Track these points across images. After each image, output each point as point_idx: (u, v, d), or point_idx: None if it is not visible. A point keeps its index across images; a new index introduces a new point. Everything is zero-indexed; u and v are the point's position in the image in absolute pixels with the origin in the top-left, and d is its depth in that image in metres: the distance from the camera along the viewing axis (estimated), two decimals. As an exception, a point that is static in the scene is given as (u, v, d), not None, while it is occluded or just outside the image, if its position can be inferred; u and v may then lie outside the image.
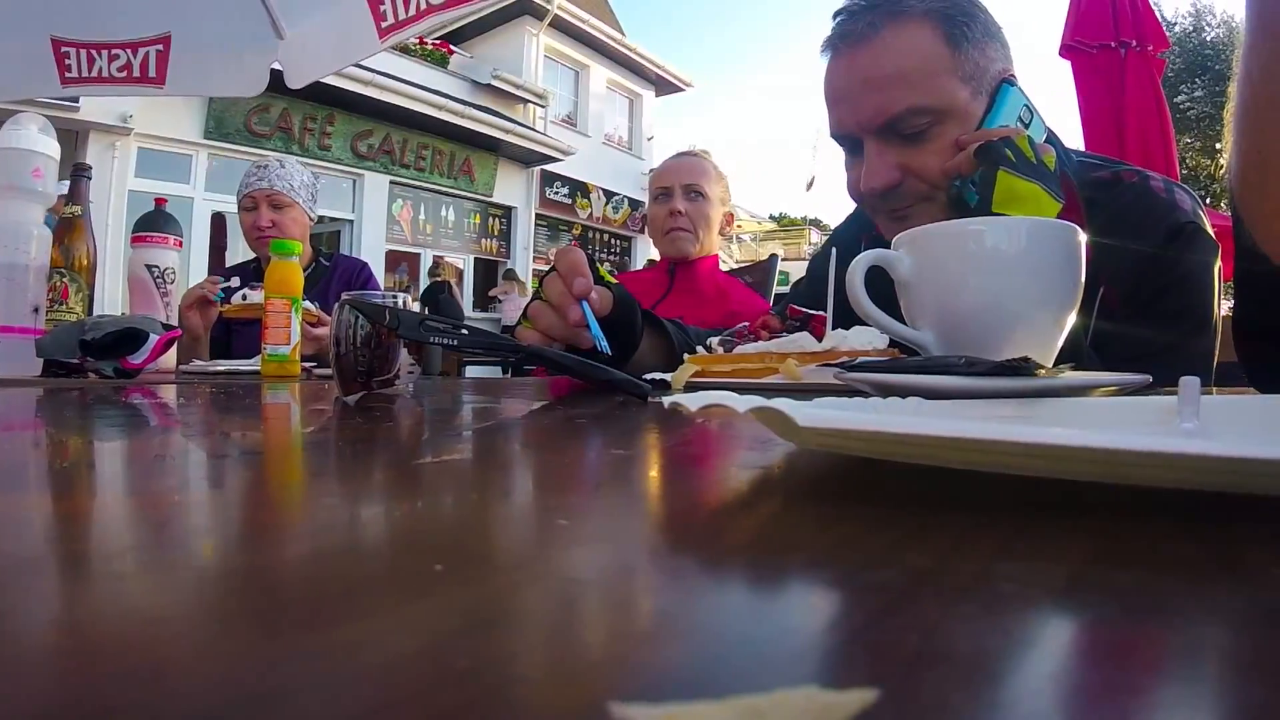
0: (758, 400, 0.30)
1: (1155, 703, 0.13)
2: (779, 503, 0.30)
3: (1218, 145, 19.88)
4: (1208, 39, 20.65)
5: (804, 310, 1.08)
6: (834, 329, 0.95)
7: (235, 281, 2.10)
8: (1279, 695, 0.13)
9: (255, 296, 1.96)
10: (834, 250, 1.03)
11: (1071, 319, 0.77)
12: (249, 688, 0.13)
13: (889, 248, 0.83)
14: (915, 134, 1.10)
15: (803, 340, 0.96)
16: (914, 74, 1.09)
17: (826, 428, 0.28)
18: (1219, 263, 1.11)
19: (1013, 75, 1.15)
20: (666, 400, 0.35)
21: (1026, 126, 1.11)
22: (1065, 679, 0.14)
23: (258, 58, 2.54)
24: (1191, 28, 21.10)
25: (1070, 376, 0.61)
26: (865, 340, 0.92)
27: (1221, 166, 19.15)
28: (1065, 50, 4.07)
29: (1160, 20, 4.30)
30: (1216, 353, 1.10)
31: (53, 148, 1.45)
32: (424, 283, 12.39)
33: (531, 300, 1.11)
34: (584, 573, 0.20)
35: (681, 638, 0.15)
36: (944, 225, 0.78)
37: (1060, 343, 0.78)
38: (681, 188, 2.28)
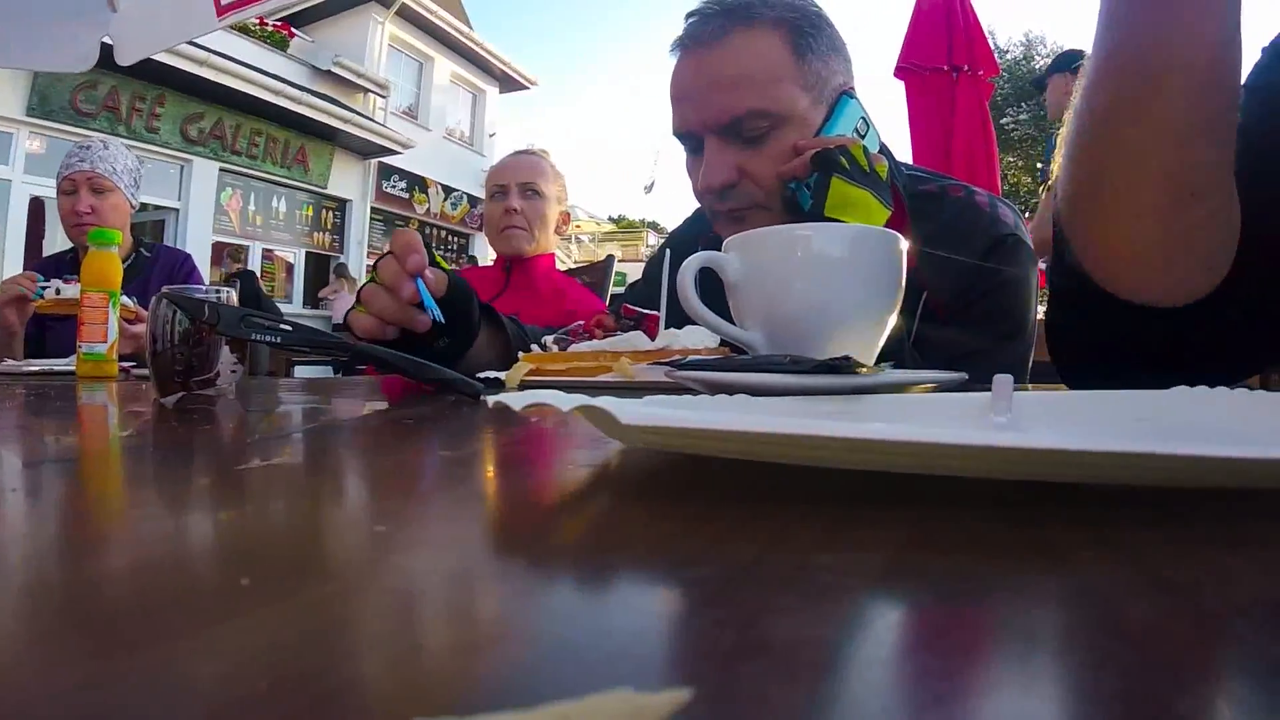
0: (582, 398, 0.30)
1: (973, 685, 0.14)
2: (604, 502, 0.30)
3: (1039, 165, 21.20)
4: (1036, 67, 21.82)
5: (638, 310, 1.09)
6: (667, 328, 0.96)
7: (55, 284, 1.98)
8: (1091, 669, 0.14)
9: (70, 290, 1.85)
10: (668, 252, 1.04)
11: (893, 320, 0.80)
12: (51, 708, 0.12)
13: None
14: (755, 136, 1.13)
15: (636, 339, 0.97)
16: (758, 78, 1.11)
17: (649, 425, 0.28)
18: (1036, 272, 1.18)
19: (852, 88, 1.19)
20: (491, 399, 0.35)
21: (862, 137, 1.15)
22: (885, 666, 0.14)
23: (89, 31, 2.38)
24: (1022, 56, 22.50)
25: (889, 374, 0.63)
26: (697, 340, 0.93)
27: (1041, 183, 20.58)
28: (900, 71, 4.26)
29: (993, 48, 4.56)
30: (1032, 354, 1.16)
31: None
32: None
33: (364, 285, 1.06)
34: (397, 581, 0.20)
35: (495, 644, 0.15)
36: (772, 230, 0.79)
37: (881, 343, 0.81)
38: (518, 186, 2.28)
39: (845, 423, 0.26)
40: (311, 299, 13.60)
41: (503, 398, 0.34)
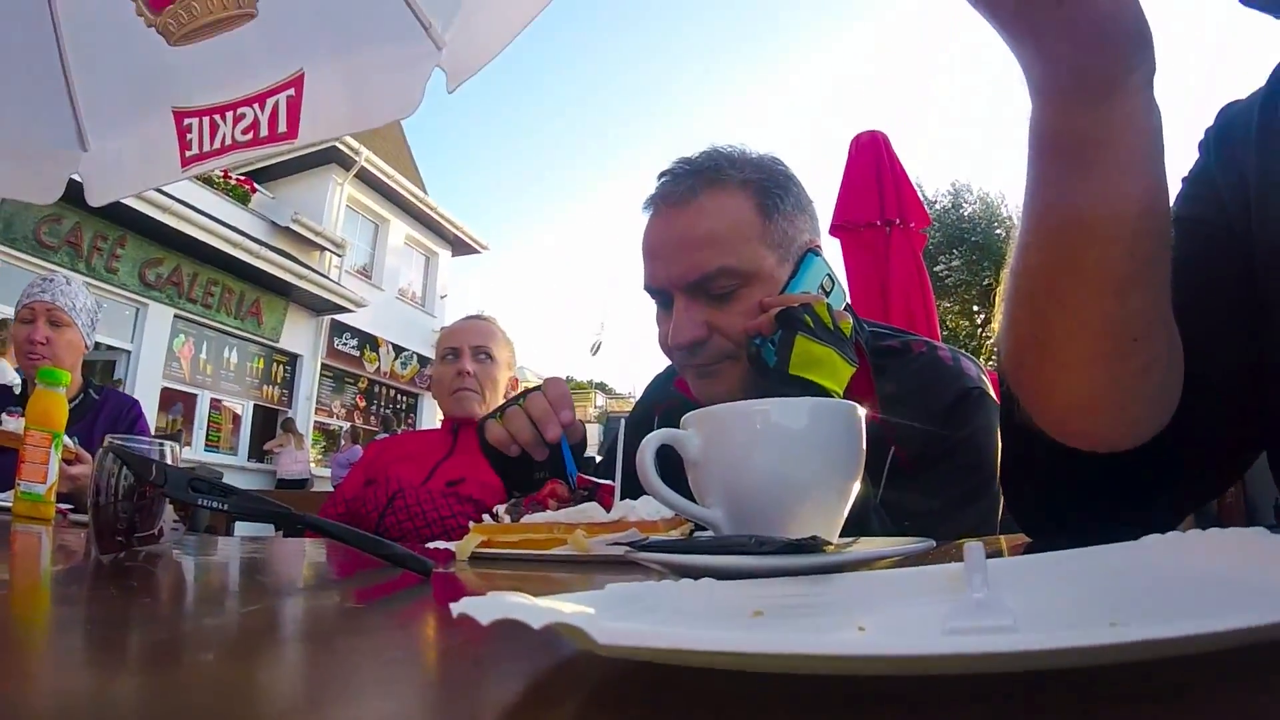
0: (555, 613, 0.29)
1: None
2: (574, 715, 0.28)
3: (975, 308, 22.21)
4: (965, 214, 22.76)
5: (593, 480, 1.07)
6: (622, 499, 0.95)
7: None
8: None
9: (14, 424, 1.83)
10: (623, 421, 1.04)
11: (855, 489, 0.79)
12: None
13: (685, 414, 0.83)
14: (723, 294, 1.15)
15: (591, 510, 0.95)
16: (726, 237, 1.14)
17: (629, 645, 0.27)
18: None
19: (818, 246, 1.22)
20: (455, 609, 0.33)
21: (827, 294, 1.17)
22: None
23: (58, 165, 2.40)
24: (950, 204, 23.14)
25: (857, 551, 0.62)
26: (653, 510, 0.92)
27: (979, 327, 20.96)
28: (835, 229, 4.38)
29: (921, 199, 4.71)
30: (1000, 506, 1.16)
31: None
32: (200, 426, 11.83)
33: (510, 404, 1.21)
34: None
35: None
36: (730, 405, 0.79)
37: (845, 512, 0.79)
38: (470, 349, 2.30)
39: (840, 635, 0.25)
40: (257, 451, 13.42)
41: (467, 608, 0.32)
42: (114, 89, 2.29)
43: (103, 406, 2.41)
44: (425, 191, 17.76)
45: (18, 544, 0.87)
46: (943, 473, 1.12)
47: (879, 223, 4.29)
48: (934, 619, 0.37)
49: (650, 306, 1.27)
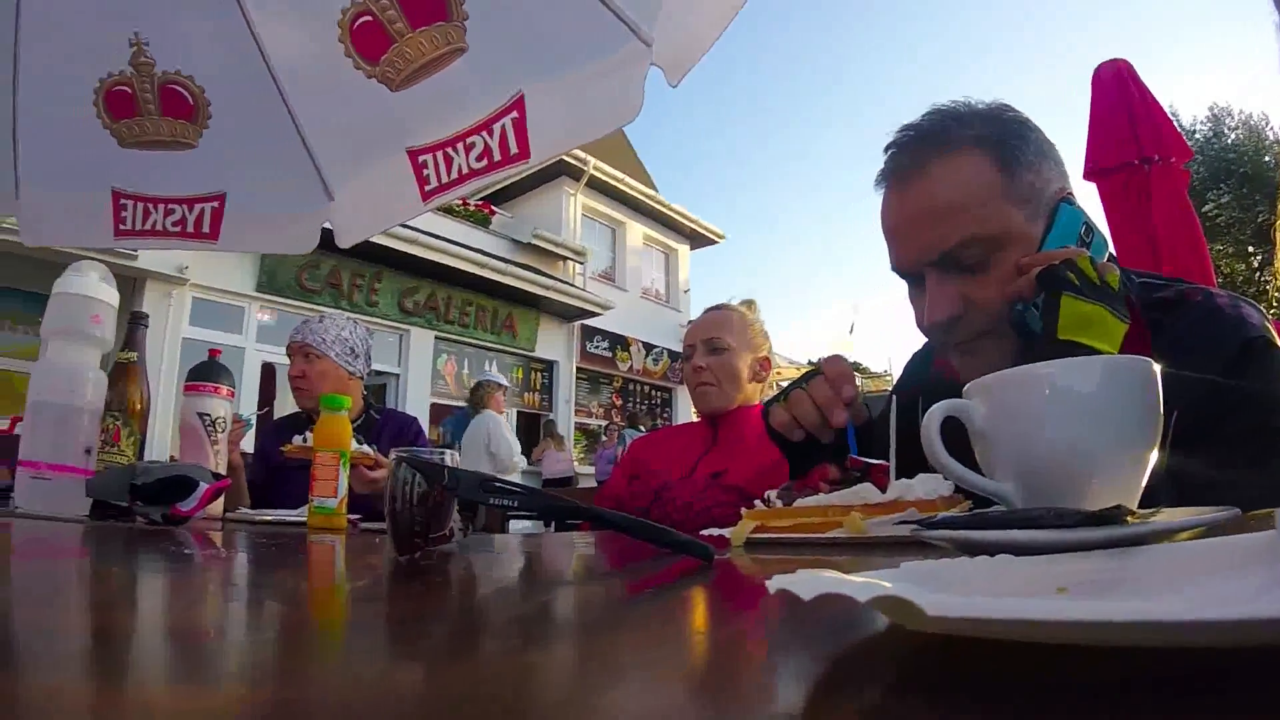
0: (879, 588, 0.28)
1: None
2: (894, 694, 0.27)
3: (1250, 249, 19.93)
4: (1229, 142, 20.50)
5: (864, 460, 1.04)
6: (897, 479, 0.92)
7: (252, 419, 2.17)
8: None
9: (299, 440, 2.00)
10: (894, 399, 1.00)
11: (1154, 455, 0.73)
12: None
13: (948, 396, 0.80)
14: (975, 264, 1.07)
15: (865, 492, 0.93)
16: (968, 204, 1.07)
17: (961, 618, 0.26)
18: None
19: (1070, 193, 1.12)
20: (773, 586, 0.32)
21: (1087, 246, 1.08)
22: None
23: (309, 217, 2.61)
24: (1211, 133, 20.92)
25: (1160, 522, 0.56)
26: (930, 489, 0.88)
27: (1257, 270, 19.05)
28: (1089, 174, 4.02)
29: (1180, 130, 4.25)
30: None
31: (112, 295, 1.50)
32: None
33: (793, 388, 1.20)
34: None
35: None
36: (1014, 371, 0.75)
37: (1144, 480, 0.74)
38: (702, 343, 2.27)
39: (1181, 603, 0.23)
40: (523, 454, 14.02)
41: (786, 584, 0.31)
42: (348, 140, 2.44)
43: (385, 425, 2.58)
44: (656, 190, 18.00)
45: (319, 552, 0.94)
46: (1228, 433, 0.99)
47: (1136, 162, 3.90)
48: (1247, 593, 0.34)
49: (903, 284, 1.20)
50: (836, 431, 1.14)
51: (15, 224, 2.68)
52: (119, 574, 0.65)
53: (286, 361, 2.60)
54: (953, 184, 1.08)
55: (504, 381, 8.32)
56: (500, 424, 7.48)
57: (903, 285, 1.20)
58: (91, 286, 1.46)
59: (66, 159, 2.56)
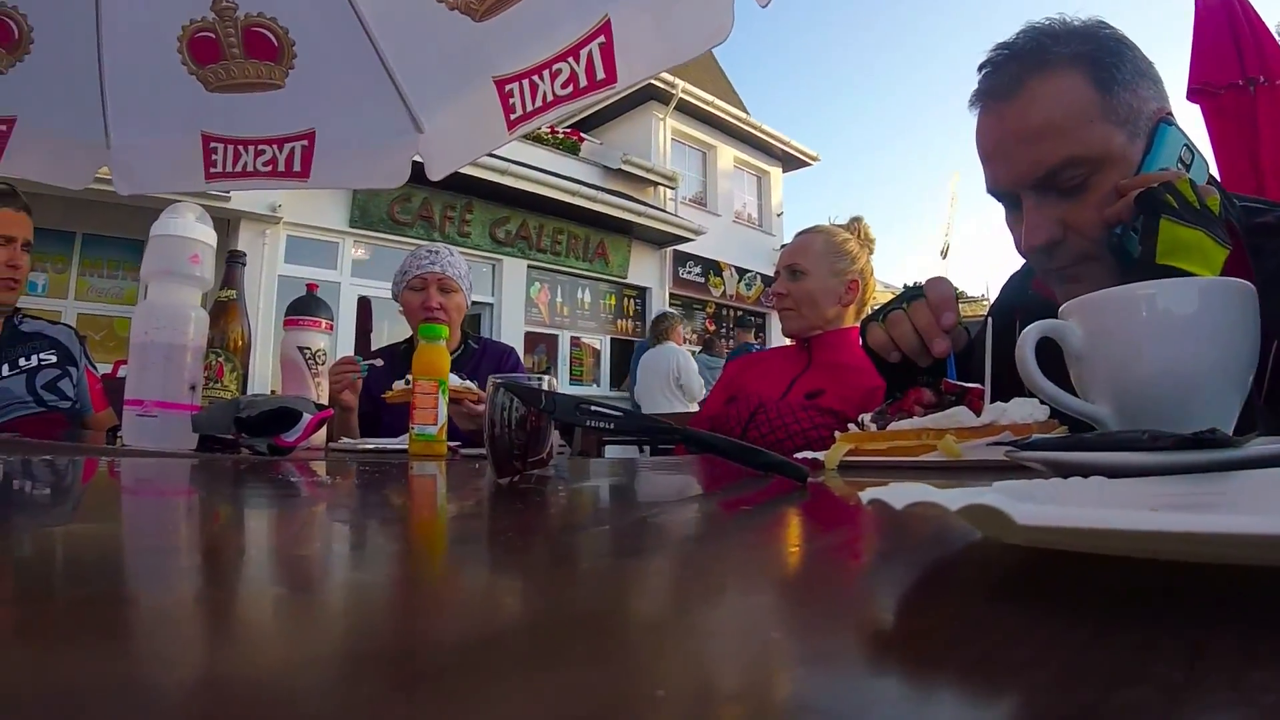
0: (969, 497, 0.29)
1: None
2: (979, 604, 0.28)
3: None
4: None
5: (960, 384, 1.04)
6: (992, 402, 0.92)
7: (379, 361, 2.19)
8: None
9: (400, 384, 2.04)
10: (990, 322, 0.99)
11: (1250, 379, 0.72)
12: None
13: (1046, 318, 0.79)
14: (1073, 186, 1.05)
15: (960, 415, 0.93)
16: (1065, 124, 1.04)
17: (1048, 526, 0.26)
18: None
19: (1169, 114, 1.09)
20: (865, 497, 0.33)
21: (1187, 168, 1.05)
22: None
23: (398, 151, 2.66)
24: None
25: (1257, 447, 0.56)
26: (1026, 413, 0.88)
27: None
28: (1191, 95, 3.86)
29: None
30: None
31: (209, 235, 1.55)
32: (563, 363, 12.64)
33: (893, 306, 1.19)
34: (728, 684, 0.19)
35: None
36: (1112, 292, 0.73)
37: (1240, 405, 0.73)
38: (785, 269, 2.27)
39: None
40: (618, 382, 14.11)
41: (878, 495, 0.32)
42: (434, 73, 2.47)
43: (483, 354, 2.63)
44: (747, 112, 17.69)
45: (423, 476, 0.97)
46: None
47: (1240, 83, 3.69)
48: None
49: (997, 205, 1.18)
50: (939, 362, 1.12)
51: (107, 174, 2.78)
52: (233, 502, 0.68)
53: (381, 295, 2.63)
54: (1050, 104, 1.06)
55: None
56: (688, 357, 7.50)
57: (1000, 208, 1.18)
58: (189, 227, 1.50)
59: (154, 107, 2.65)
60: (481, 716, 0.15)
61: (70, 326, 2.48)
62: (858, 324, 2.27)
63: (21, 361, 2.21)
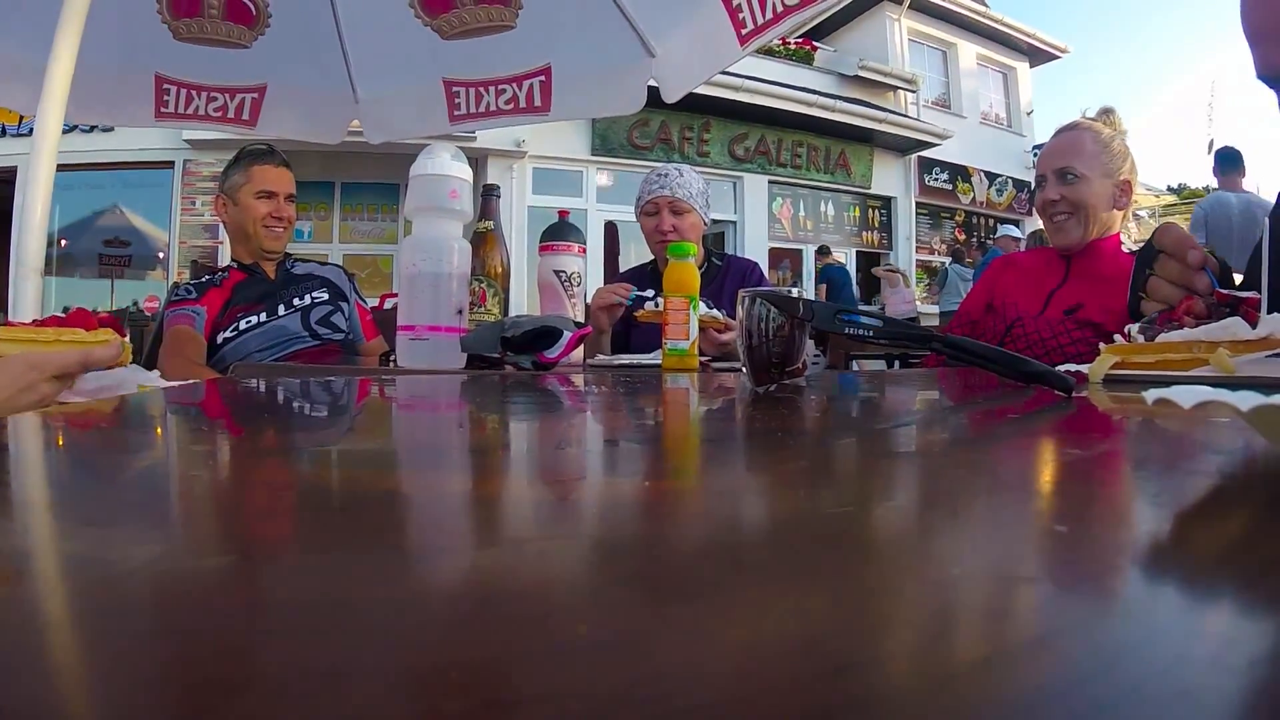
0: (1259, 397, 0.28)
1: None
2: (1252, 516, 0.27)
3: None
4: None
5: (1233, 293, 0.99)
6: (1270, 313, 0.88)
7: (650, 291, 2.27)
8: None
9: (651, 305, 2.11)
10: (1268, 223, 0.93)
11: None
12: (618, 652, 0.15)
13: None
14: None
15: (1235, 327, 0.88)
16: None
17: None
18: None
19: None
20: (1149, 397, 0.34)
21: None
22: None
23: (633, 77, 2.77)
24: None
25: None
26: (1311, 324, 0.84)
27: None
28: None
29: None
30: None
31: (465, 171, 1.65)
32: (808, 277, 12.54)
33: (1140, 279, 1.16)
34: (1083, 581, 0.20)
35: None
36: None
37: None
38: (1054, 173, 2.06)
39: None
40: (866, 295, 13.87)
41: (1167, 394, 0.32)
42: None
43: (728, 270, 2.64)
44: (986, 4, 16.74)
45: (678, 387, 1.01)
46: None
47: None
48: None
49: (1267, 93, 1.08)
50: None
51: (358, 126, 3.03)
52: (508, 411, 0.74)
53: (626, 219, 2.69)
54: None
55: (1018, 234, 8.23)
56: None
57: (1270, 95, 1.09)
58: (445, 165, 1.61)
59: (395, 60, 2.87)
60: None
61: (339, 265, 2.69)
62: (1118, 231, 2.13)
63: (295, 301, 2.41)
